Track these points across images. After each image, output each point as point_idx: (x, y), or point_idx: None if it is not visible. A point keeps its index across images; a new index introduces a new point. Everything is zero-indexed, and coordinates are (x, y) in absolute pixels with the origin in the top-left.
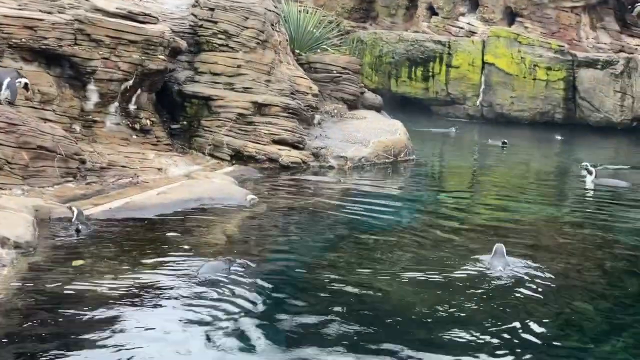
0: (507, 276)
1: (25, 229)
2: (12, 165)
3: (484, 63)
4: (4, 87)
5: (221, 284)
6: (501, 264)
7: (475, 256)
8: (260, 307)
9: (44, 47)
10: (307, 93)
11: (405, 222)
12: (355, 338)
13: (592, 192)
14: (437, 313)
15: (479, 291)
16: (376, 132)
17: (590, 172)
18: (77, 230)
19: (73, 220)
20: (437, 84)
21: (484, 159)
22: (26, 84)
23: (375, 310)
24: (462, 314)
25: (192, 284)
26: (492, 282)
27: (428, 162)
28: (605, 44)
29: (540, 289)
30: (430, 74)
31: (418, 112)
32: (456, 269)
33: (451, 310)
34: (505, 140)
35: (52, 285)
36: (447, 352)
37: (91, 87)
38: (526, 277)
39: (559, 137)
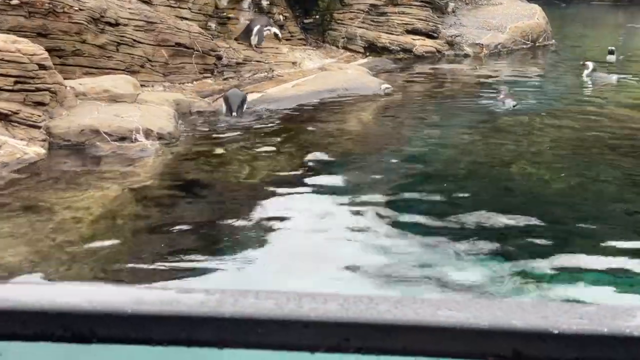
0: None
1: (167, 121)
2: (153, 63)
3: None
4: (254, 33)
5: None
6: None
7: None
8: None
9: None
10: None
11: (543, 107)
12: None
13: None
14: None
15: None
16: (513, 17)
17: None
18: (230, 111)
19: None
20: None
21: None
22: (275, 33)
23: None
24: None
25: (322, 167)
26: None
27: (567, 46)
28: None
29: None
30: None
31: None
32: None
33: None
34: None
35: (195, 173)
36: None
37: None
38: None
39: None
